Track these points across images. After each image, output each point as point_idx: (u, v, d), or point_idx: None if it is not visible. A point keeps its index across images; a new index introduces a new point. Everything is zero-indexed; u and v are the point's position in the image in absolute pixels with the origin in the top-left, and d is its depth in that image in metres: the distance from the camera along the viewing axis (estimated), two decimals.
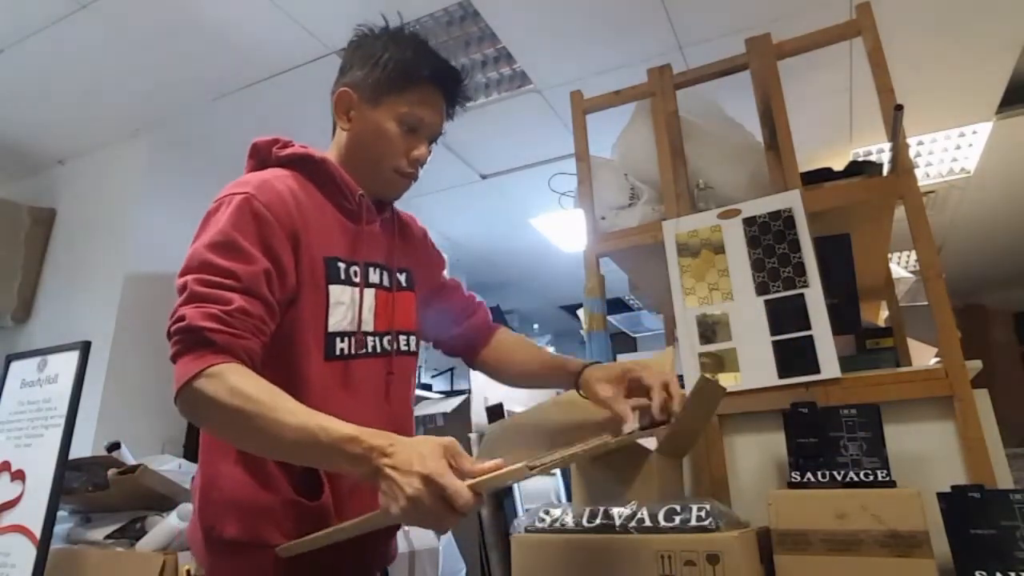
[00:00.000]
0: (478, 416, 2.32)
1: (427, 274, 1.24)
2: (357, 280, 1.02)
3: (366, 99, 1.04)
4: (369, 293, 1.04)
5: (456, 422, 2.25)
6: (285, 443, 0.76)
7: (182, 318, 0.83)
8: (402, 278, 1.14)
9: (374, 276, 1.07)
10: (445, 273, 1.33)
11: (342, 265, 1.00)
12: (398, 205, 1.20)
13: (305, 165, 1.04)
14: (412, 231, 1.25)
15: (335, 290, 0.98)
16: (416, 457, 0.70)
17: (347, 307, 0.99)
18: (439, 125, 1.11)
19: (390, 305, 1.09)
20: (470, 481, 0.71)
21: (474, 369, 1.32)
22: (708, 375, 1.30)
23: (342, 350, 0.98)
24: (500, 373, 1.29)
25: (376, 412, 1.00)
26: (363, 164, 1.07)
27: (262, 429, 0.76)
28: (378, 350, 1.05)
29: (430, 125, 1.08)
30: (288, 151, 1.04)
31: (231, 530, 0.90)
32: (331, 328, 0.97)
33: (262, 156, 1.06)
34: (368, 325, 1.03)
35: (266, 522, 0.90)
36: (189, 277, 0.86)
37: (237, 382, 0.79)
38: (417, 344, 1.17)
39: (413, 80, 1.03)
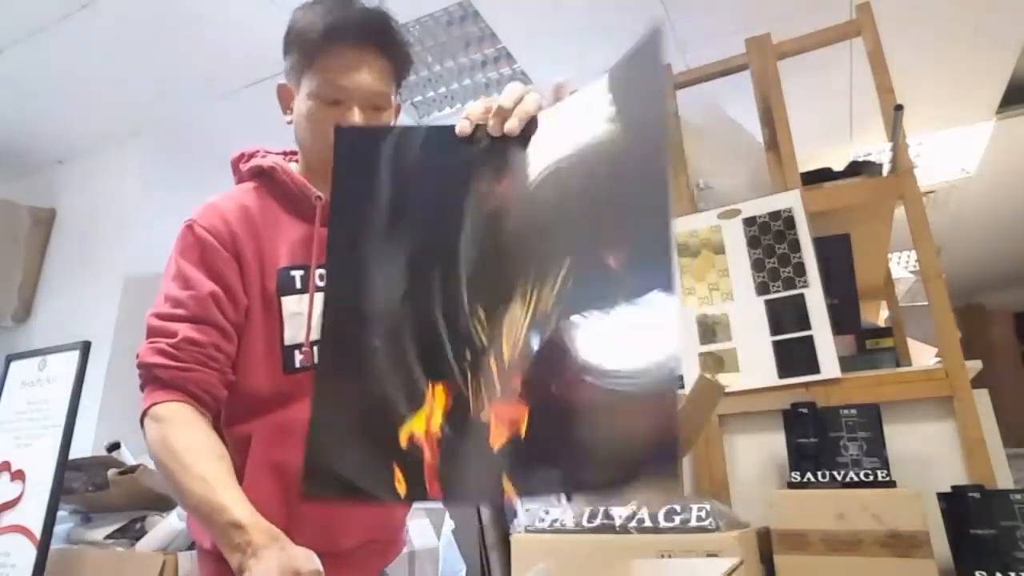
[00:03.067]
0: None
1: None
2: (307, 285, 0.94)
3: (294, 86, 0.97)
4: (320, 298, 0.94)
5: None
6: (190, 508, 0.77)
7: (138, 355, 0.85)
8: None
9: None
10: None
11: (296, 274, 0.94)
12: None
13: (260, 177, 1.01)
14: None
15: (288, 301, 0.92)
16: (279, 570, 0.66)
17: (301, 318, 0.92)
18: (367, 84, 0.92)
19: None
20: None
21: None
22: (707, 375, 1.30)
23: (300, 362, 0.92)
24: None
25: None
26: (309, 157, 1.00)
27: (176, 488, 0.77)
28: None
29: (351, 89, 0.91)
30: (248, 165, 1.01)
31: (198, 535, 0.91)
32: (287, 341, 0.91)
33: (235, 171, 1.05)
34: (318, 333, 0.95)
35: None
36: (149, 315, 0.87)
37: (168, 432, 0.79)
38: None
39: (315, 47, 0.91)
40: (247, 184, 1.00)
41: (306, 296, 0.92)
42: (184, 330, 0.84)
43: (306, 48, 0.92)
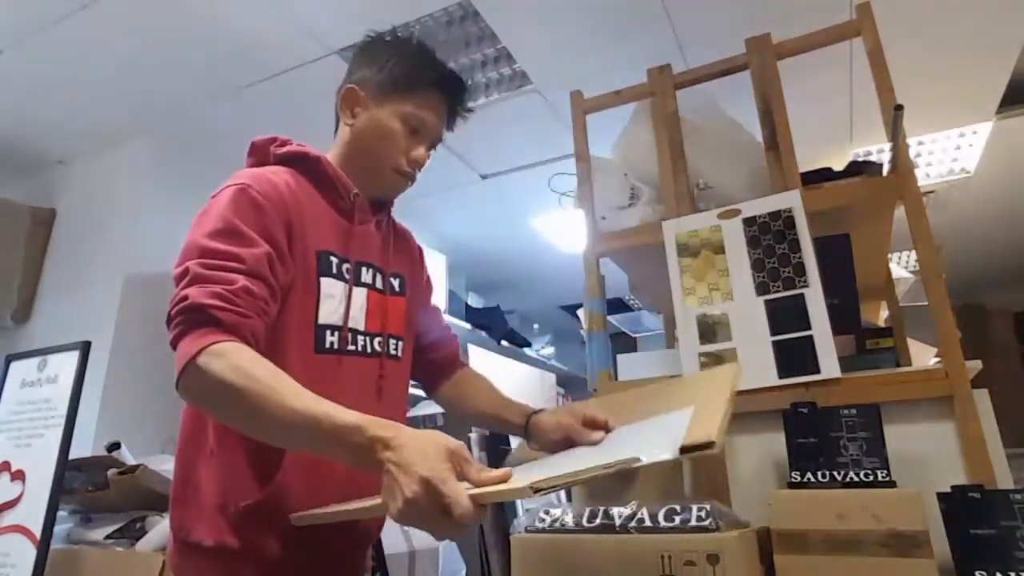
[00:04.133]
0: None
1: (417, 291, 1.23)
2: (348, 277, 1.01)
3: (372, 97, 1.06)
4: (360, 292, 1.04)
5: (456, 422, 2.25)
6: (285, 427, 0.74)
7: (185, 298, 0.81)
8: (395, 283, 1.14)
9: (366, 276, 1.07)
10: (433, 297, 1.33)
11: (334, 260, 1.00)
12: (399, 205, 1.21)
13: (301, 163, 1.04)
14: (409, 243, 1.26)
15: (326, 283, 0.98)
16: (419, 457, 0.67)
17: (337, 301, 0.98)
18: (440, 130, 1.12)
19: (383, 307, 1.08)
20: (473, 491, 0.67)
21: (430, 398, 1.32)
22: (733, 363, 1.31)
23: (331, 344, 0.97)
24: (454, 411, 1.29)
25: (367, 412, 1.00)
26: (364, 161, 1.08)
27: (264, 411, 0.74)
28: (368, 350, 1.04)
29: (432, 128, 1.09)
30: (285, 149, 1.05)
31: (198, 533, 0.89)
32: (321, 320, 0.96)
33: (260, 154, 1.07)
34: (359, 323, 1.02)
35: (233, 528, 0.89)
36: (190, 262, 0.85)
37: (242, 362, 0.77)
38: (408, 351, 1.15)
39: (420, 83, 1.05)
40: (279, 167, 1.03)
41: (340, 283, 0.99)
42: (242, 280, 0.84)
43: (412, 80, 1.05)
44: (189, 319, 0.81)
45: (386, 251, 1.13)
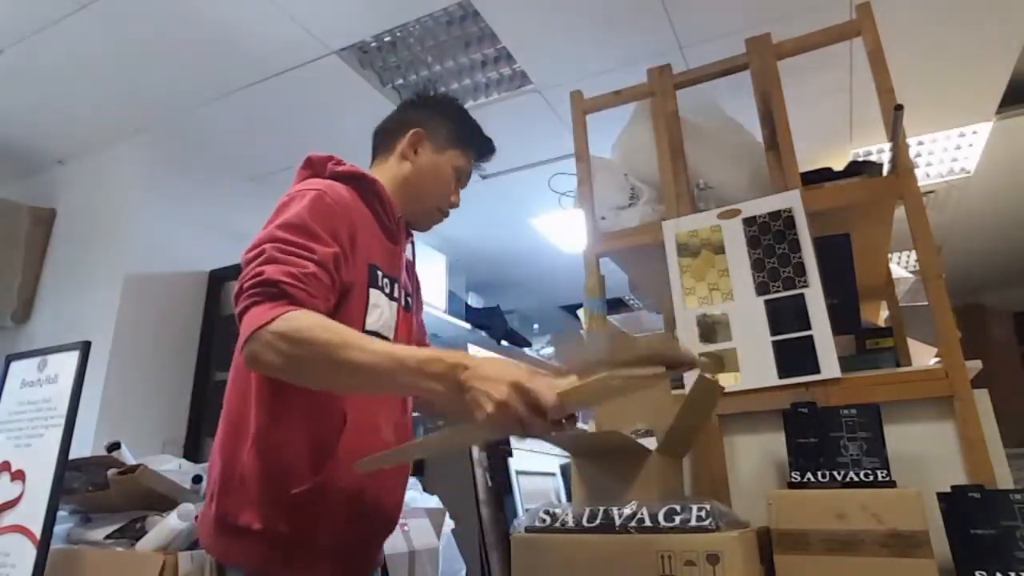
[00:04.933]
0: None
1: (419, 310, 1.36)
2: (388, 291, 1.12)
3: (434, 143, 1.22)
4: (393, 305, 1.14)
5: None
6: (372, 368, 0.80)
7: (260, 273, 0.87)
8: (411, 301, 1.26)
9: (397, 292, 1.17)
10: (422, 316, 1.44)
11: (380, 273, 1.10)
12: None
13: (358, 182, 1.13)
14: (414, 269, 1.37)
15: (374, 293, 1.07)
16: (499, 368, 0.75)
17: (381, 312, 1.08)
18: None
19: (406, 323, 1.19)
20: (557, 388, 0.74)
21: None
22: (708, 375, 1.31)
23: None
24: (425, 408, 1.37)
25: (394, 416, 1.09)
26: (415, 194, 1.21)
27: (349, 356, 0.80)
28: None
29: (468, 179, 1.28)
30: (344, 168, 1.13)
31: (246, 518, 0.93)
32: (367, 327, 1.04)
33: (316, 169, 1.14)
34: (390, 335, 1.11)
35: (285, 514, 0.93)
36: (266, 245, 0.91)
37: (320, 319, 0.84)
38: None
39: (473, 143, 1.27)
40: (337, 183, 1.09)
41: (384, 296, 1.09)
42: (312, 267, 0.91)
43: (470, 141, 1.25)
44: (263, 292, 0.86)
45: (409, 272, 1.27)
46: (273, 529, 0.93)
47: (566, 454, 1.60)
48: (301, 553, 0.94)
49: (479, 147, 1.28)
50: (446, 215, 1.27)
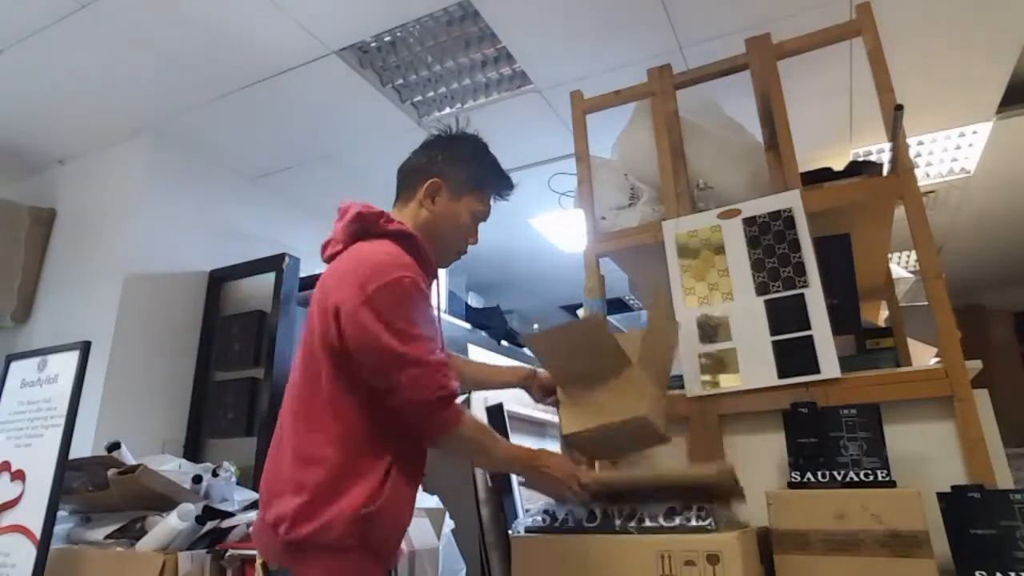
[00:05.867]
0: (478, 416, 2.33)
1: None
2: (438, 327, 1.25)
3: (451, 191, 1.26)
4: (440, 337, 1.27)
5: None
6: (503, 462, 1.26)
7: (444, 386, 1.07)
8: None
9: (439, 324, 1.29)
10: None
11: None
12: None
13: (406, 241, 1.19)
14: None
15: None
16: (562, 463, 1.22)
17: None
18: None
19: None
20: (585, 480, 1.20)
21: None
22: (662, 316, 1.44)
23: None
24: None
25: None
26: (435, 240, 1.27)
27: (494, 456, 1.19)
28: None
29: (487, 217, 1.34)
30: (394, 227, 1.20)
31: (337, 532, 1.00)
32: None
33: (369, 226, 1.19)
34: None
35: (367, 527, 1.02)
36: (420, 352, 1.07)
37: (479, 425, 1.17)
38: None
39: (492, 186, 1.31)
40: (387, 241, 1.18)
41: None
42: (443, 356, 1.12)
43: (486, 185, 1.30)
44: (448, 397, 1.08)
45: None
46: (359, 540, 1.02)
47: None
48: (371, 561, 1.05)
49: (497, 188, 1.33)
50: (465, 253, 1.35)
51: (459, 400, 1.11)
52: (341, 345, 1.06)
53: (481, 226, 1.35)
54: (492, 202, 1.34)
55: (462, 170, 1.27)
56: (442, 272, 1.30)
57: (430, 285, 1.24)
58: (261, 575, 1.08)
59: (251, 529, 1.28)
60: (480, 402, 2.36)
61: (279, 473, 1.10)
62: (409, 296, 1.09)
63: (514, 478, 2.25)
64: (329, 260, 1.22)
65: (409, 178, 1.29)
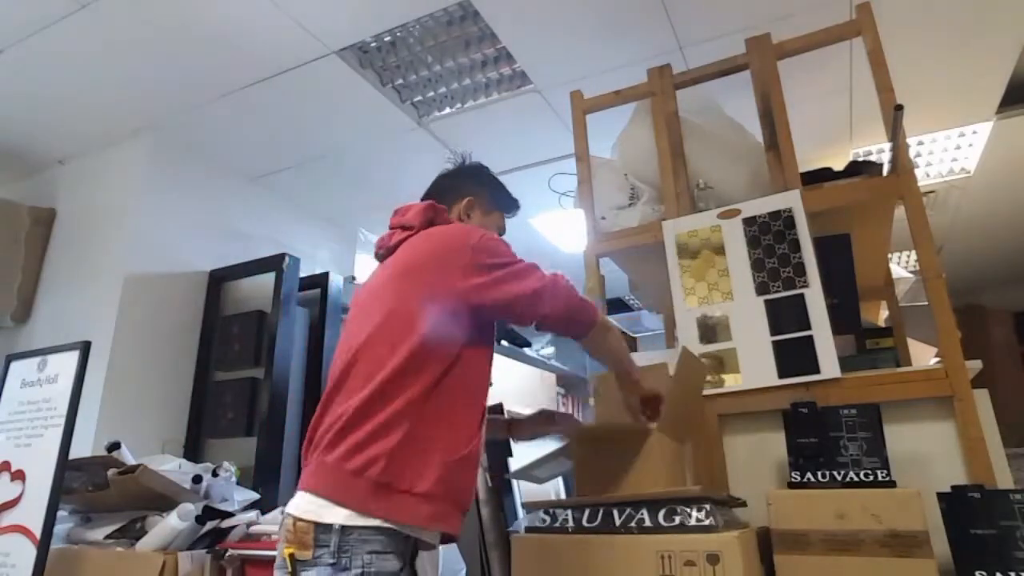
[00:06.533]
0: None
1: None
2: None
3: (481, 208, 1.45)
4: None
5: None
6: (616, 348, 1.29)
7: (578, 295, 1.24)
8: None
9: None
10: None
11: None
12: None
13: None
14: None
15: None
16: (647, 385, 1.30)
17: None
18: None
19: None
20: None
21: None
22: (687, 347, 1.38)
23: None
24: None
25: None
26: None
27: (624, 348, 1.29)
28: None
29: (504, 234, 1.48)
30: (454, 218, 1.40)
31: (421, 480, 1.05)
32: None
33: (436, 216, 1.34)
34: None
35: (449, 475, 1.07)
36: (547, 277, 1.21)
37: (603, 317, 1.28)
38: None
39: (508, 206, 1.51)
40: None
41: None
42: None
43: (508, 207, 1.51)
44: (590, 308, 1.23)
45: None
46: (439, 488, 1.06)
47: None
48: (453, 511, 1.09)
49: (511, 207, 1.54)
50: None
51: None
52: (465, 297, 1.16)
53: None
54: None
55: (488, 192, 1.48)
56: None
57: None
58: (289, 569, 1.02)
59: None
60: None
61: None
62: (505, 248, 1.25)
63: (514, 479, 2.25)
64: (392, 250, 1.31)
65: (443, 195, 1.44)
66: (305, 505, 1.05)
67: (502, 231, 1.49)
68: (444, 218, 1.36)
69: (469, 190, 1.47)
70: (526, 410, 2.49)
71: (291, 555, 1.01)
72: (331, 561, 1.00)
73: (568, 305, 1.21)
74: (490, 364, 1.23)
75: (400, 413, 1.09)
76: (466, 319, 1.16)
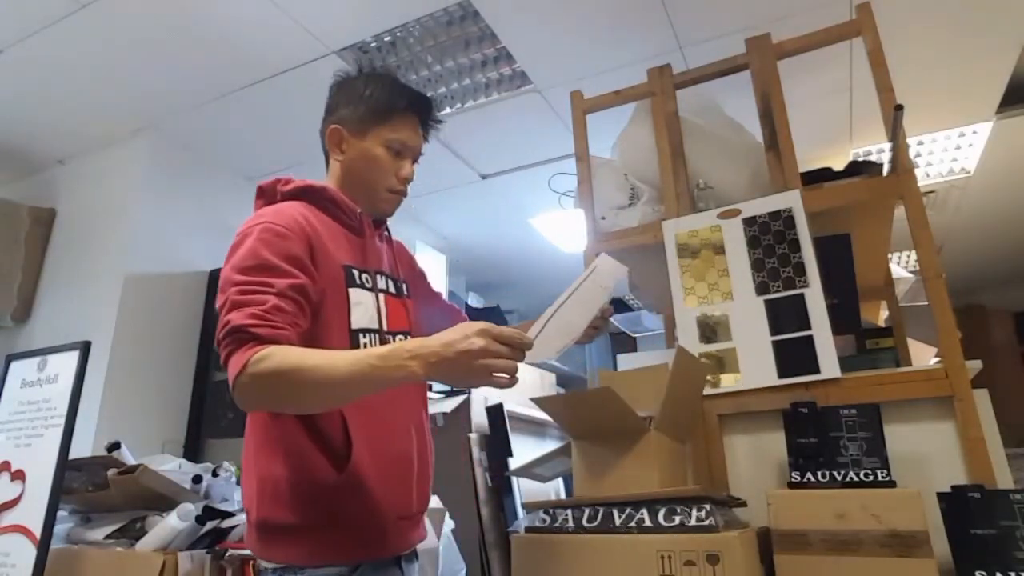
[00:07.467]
0: (478, 416, 2.32)
1: (419, 285, 1.40)
2: (370, 285, 1.15)
3: (354, 132, 1.19)
4: (381, 297, 1.16)
5: (456, 422, 2.25)
6: (344, 381, 0.87)
7: (228, 323, 0.92)
8: (404, 287, 1.28)
9: (382, 283, 1.19)
10: (431, 283, 1.47)
11: (356, 271, 1.13)
12: (401, 211, 1.30)
13: (308, 194, 1.16)
14: (404, 253, 1.39)
15: (354, 292, 1.10)
16: (456, 330, 0.87)
17: (365, 307, 1.11)
18: (419, 144, 1.25)
19: (400, 309, 1.22)
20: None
21: None
22: (683, 346, 1.37)
23: (366, 345, 1.09)
24: None
25: (403, 404, 1.13)
26: (359, 187, 1.20)
27: (323, 378, 0.86)
28: None
29: (412, 146, 1.22)
30: (291, 186, 1.16)
31: (286, 517, 0.99)
32: (354, 325, 1.08)
33: (268, 195, 1.18)
34: (384, 325, 1.14)
35: (313, 506, 1.00)
36: (228, 292, 0.96)
37: (288, 352, 0.88)
38: None
39: (393, 110, 1.19)
40: (292, 202, 1.13)
41: (366, 291, 1.13)
42: (272, 300, 0.94)
43: (385, 111, 1.18)
44: (234, 339, 0.91)
45: (393, 260, 1.28)
46: (307, 521, 0.99)
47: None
48: (338, 539, 1.00)
49: (404, 107, 1.19)
50: (401, 192, 1.22)
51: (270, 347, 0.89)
52: None
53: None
54: (419, 130, 1.22)
55: (359, 107, 1.18)
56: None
57: (362, 233, 1.18)
58: None
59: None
60: (480, 402, 2.36)
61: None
62: (251, 239, 1.02)
63: (514, 478, 2.25)
64: None
65: (322, 137, 1.24)
66: None
67: (400, 145, 1.18)
68: (274, 194, 1.17)
69: (334, 117, 1.21)
70: (526, 410, 2.49)
71: None
72: None
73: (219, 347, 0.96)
74: None
75: (251, 459, 1.06)
76: None
